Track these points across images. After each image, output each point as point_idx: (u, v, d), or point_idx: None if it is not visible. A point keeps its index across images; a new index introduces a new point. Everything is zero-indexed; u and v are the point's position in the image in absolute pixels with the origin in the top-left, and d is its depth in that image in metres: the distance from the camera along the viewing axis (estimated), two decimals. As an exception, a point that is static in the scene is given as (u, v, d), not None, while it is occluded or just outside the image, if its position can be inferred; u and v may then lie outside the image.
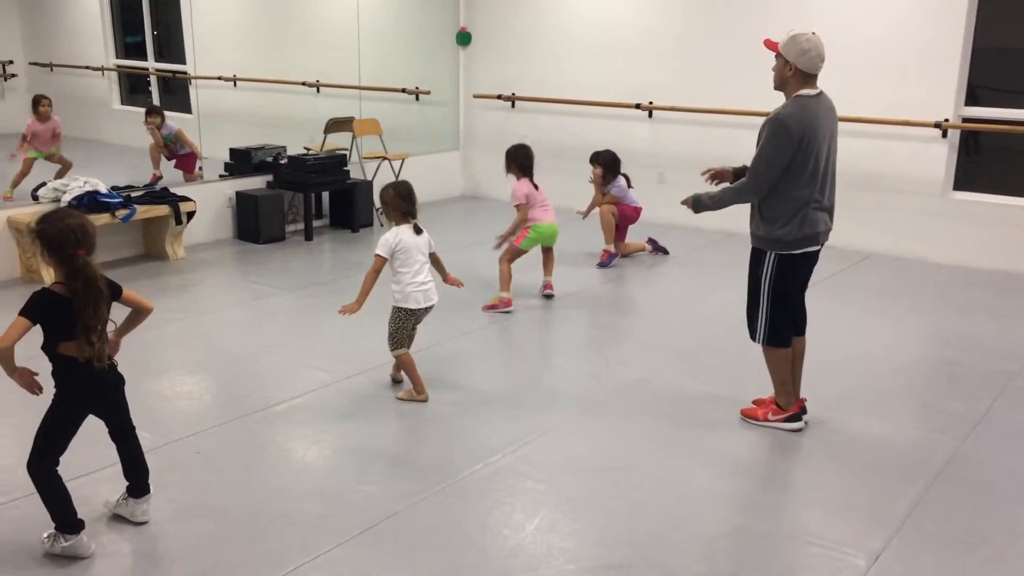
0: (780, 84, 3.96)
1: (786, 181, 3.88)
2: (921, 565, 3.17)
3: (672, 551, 3.22)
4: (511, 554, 3.19)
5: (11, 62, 9.12)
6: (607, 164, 7.09)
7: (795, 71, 3.87)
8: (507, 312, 5.86)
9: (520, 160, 5.98)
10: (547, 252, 6.22)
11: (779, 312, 4.08)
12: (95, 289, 2.96)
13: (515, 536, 3.30)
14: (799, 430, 4.20)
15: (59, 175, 7.27)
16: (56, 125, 7.55)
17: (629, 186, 7.19)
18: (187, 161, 8.14)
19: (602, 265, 6.99)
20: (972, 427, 4.28)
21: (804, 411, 4.25)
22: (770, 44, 3.95)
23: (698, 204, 4.17)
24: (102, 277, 3.02)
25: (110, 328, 3.11)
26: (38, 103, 7.50)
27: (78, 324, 2.95)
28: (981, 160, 7.77)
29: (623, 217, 7.16)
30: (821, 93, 3.94)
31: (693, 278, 6.80)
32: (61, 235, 2.95)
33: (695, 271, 7.00)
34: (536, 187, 5.98)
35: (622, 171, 7.18)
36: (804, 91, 3.89)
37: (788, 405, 4.22)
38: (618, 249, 7.20)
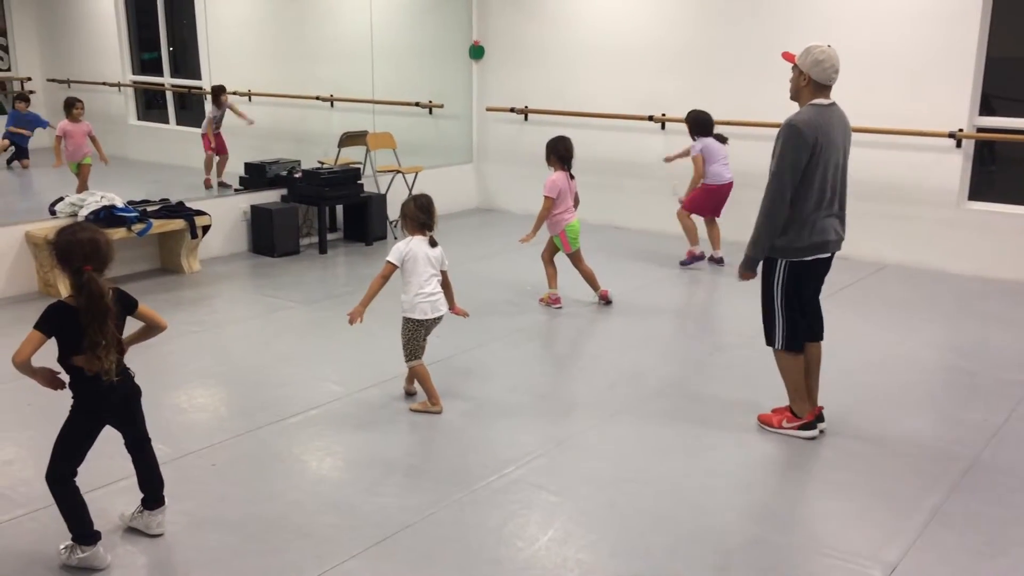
0: (795, 94, 4.04)
1: (797, 188, 3.90)
2: (939, 577, 3.15)
3: (687, 563, 3.21)
4: (525, 566, 3.18)
5: (29, 79, 9.25)
6: (690, 121, 7.18)
7: (809, 82, 3.94)
8: (559, 308, 6.14)
9: (560, 151, 6.06)
10: (578, 262, 6.22)
11: (795, 317, 4.10)
12: (100, 305, 2.94)
13: (529, 548, 3.30)
14: (813, 438, 4.19)
15: (78, 189, 7.35)
16: (88, 128, 7.77)
17: (723, 141, 7.14)
18: (221, 143, 8.46)
19: (684, 264, 7.22)
20: (990, 437, 4.25)
21: (821, 419, 4.24)
22: (788, 56, 4.05)
23: (749, 265, 4.08)
24: (111, 293, 3.00)
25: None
26: (72, 106, 7.75)
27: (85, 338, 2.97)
28: (996, 170, 7.73)
29: (708, 198, 7.16)
30: (834, 104, 4.00)
31: (706, 288, 6.79)
32: (69, 248, 2.97)
33: (708, 281, 6.99)
34: (572, 177, 6.09)
35: (716, 134, 7.16)
36: (817, 101, 3.95)
37: (803, 413, 4.21)
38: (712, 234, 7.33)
